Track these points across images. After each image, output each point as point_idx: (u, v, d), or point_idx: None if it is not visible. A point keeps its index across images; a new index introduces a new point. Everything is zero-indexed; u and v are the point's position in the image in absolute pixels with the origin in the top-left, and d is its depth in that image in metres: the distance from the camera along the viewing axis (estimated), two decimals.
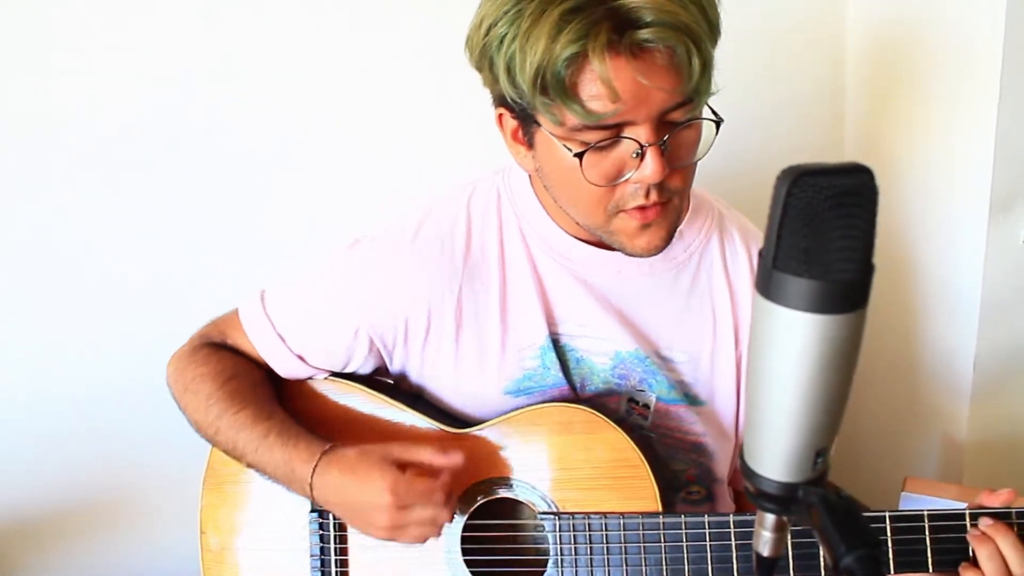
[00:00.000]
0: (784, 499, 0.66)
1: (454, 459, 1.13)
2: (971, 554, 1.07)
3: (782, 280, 0.59)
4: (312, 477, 1.13)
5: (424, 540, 1.13)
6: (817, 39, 1.76)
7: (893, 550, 1.07)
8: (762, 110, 1.75)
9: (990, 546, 1.04)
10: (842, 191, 0.58)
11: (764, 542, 0.70)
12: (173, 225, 1.60)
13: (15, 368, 1.59)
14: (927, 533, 1.08)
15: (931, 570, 1.08)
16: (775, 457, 0.65)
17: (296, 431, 1.18)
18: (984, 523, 1.06)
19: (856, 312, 0.60)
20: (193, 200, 1.59)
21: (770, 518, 0.69)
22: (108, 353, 1.62)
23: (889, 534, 1.08)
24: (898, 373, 1.76)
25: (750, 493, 0.68)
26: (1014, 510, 1.07)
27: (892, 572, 1.08)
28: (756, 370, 0.63)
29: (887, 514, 1.08)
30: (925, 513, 1.08)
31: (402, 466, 1.11)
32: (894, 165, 1.68)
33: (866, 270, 0.59)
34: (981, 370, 1.57)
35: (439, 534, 1.13)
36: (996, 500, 1.08)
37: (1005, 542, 1.04)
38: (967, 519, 1.07)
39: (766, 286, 0.60)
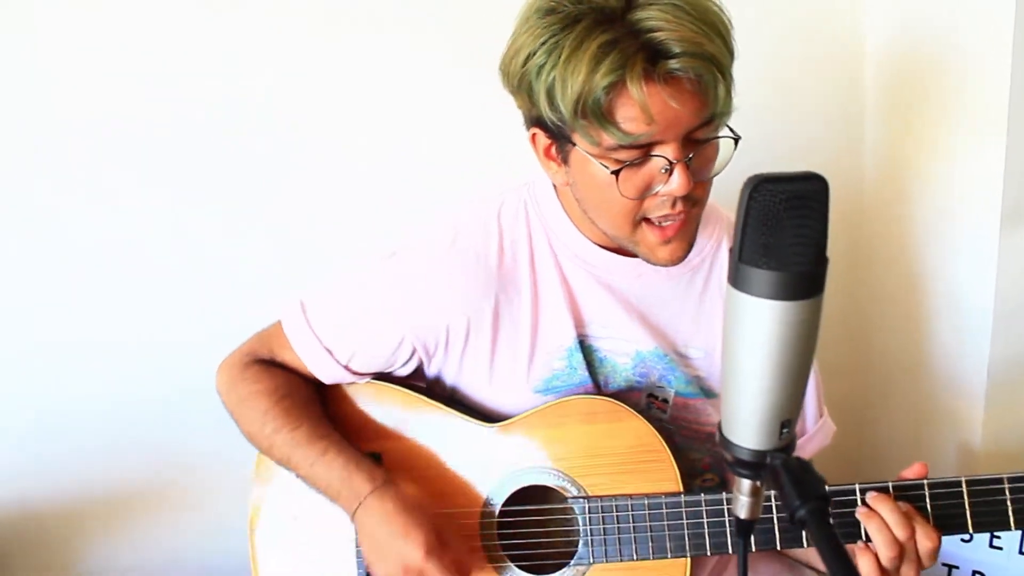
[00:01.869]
0: (756, 465, 0.77)
1: (479, 569, 1.27)
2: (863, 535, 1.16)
3: (747, 272, 0.70)
4: (366, 498, 1.24)
5: None
6: (836, 56, 1.85)
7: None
8: (782, 126, 1.85)
9: (876, 520, 1.13)
10: (795, 195, 0.68)
11: (741, 506, 0.81)
12: (225, 216, 1.73)
13: (89, 363, 1.72)
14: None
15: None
16: (747, 428, 0.76)
17: (353, 452, 1.28)
18: (869, 496, 1.16)
19: (812, 299, 0.70)
20: (223, 200, 1.72)
21: (746, 483, 0.80)
22: (169, 349, 1.74)
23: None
24: (913, 380, 1.83)
25: (728, 461, 0.79)
26: (891, 483, 1.18)
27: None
28: (729, 352, 0.74)
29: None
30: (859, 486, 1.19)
31: (442, 541, 1.22)
32: (911, 178, 1.76)
33: (819, 262, 0.70)
34: (995, 376, 1.64)
35: None
36: (910, 474, 1.18)
37: (885, 510, 1.14)
38: (857, 495, 1.18)
39: (734, 277, 0.71)
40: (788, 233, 0.68)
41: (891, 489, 1.17)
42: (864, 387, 2.01)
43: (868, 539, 1.15)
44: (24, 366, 1.71)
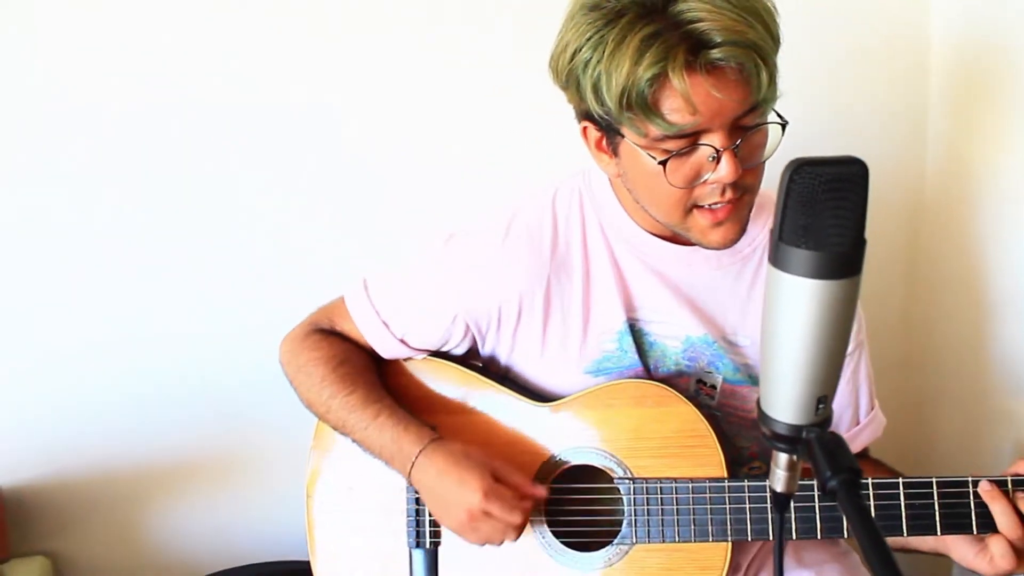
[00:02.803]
0: (792, 439, 0.79)
1: (540, 491, 1.29)
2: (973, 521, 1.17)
3: (787, 251, 0.72)
4: (417, 457, 1.29)
5: (483, 544, 1.28)
6: (901, 48, 1.85)
7: (906, 514, 1.20)
8: (844, 118, 1.85)
9: (1003, 502, 1.15)
10: (834, 178, 0.70)
11: (778, 479, 0.83)
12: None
13: (160, 340, 1.80)
14: (935, 499, 1.19)
15: (939, 533, 1.19)
16: (784, 403, 0.78)
17: (404, 415, 1.33)
18: (983, 488, 1.17)
19: (849, 279, 0.72)
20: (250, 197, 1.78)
21: (783, 457, 0.82)
22: (230, 332, 1.81)
23: (902, 499, 1.20)
24: (971, 377, 1.82)
25: (766, 436, 0.81)
26: (1009, 477, 1.17)
27: (905, 534, 1.20)
28: (768, 329, 0.77)
29: (900, 480, 1.21)
30: (934, 480, 1.19)
31: (497, 478, 1.26)
32: (974, 172, 1.75)
33: (856, 244, 0.72)
34: None
35: (500, 545, 1.28)
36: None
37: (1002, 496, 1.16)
38: (970, 486, 1.18)
39: (774, 256, 0.73)
40: (826, 215, 0.70)
41: (1010, 482, 1.18)
42: (921, 382, 2.00)
43: (979, 530, 1.17)
44: (103, 341, 1.78)
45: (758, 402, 0.81)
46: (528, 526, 1.32)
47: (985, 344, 1.78)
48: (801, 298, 0.73)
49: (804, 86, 1.74)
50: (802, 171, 0.70)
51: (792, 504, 1.22)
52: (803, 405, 0.77)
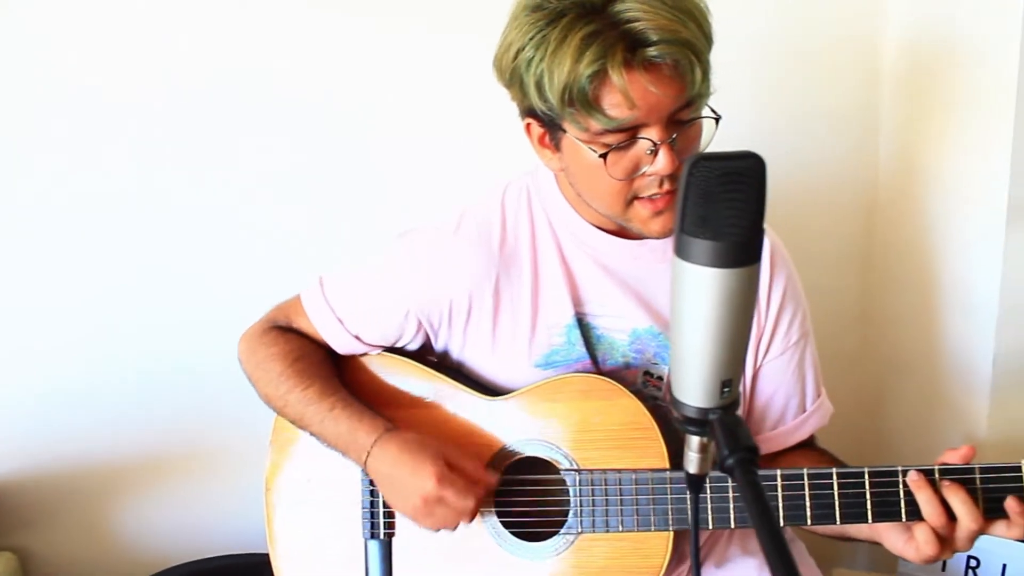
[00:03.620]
0: (700, 421, 0.82)
1: (492, 478, 1.32)
2: (902, 509, 1.20)
3: (687, 241, 0.75)
4: (372, 447, 1.32)
5: (439, 530, 1.31)
6: (853, 53, 1.89)
7: (839, 503, 1.23)
8: (798, 122, 1.89)
9: (927, 491, 1.18)
10: (729, 171, 0.73)
11: (690, 461, 0.87)
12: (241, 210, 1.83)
13: (120, 336, 1.83)
14: (867, 488, 1.22)
15: (870, 521, 1.22)
16: (692, 387, 0.81)
17: (359, 407, 1.37)
18: (911, 478, 1.19)
19: (747, 267, 0.76)
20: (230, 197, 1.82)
21: (694, 440, 0.85)
22: (192, 326, 1.85)
23: (836, 488, 1.23)
24: (921, 372, 1.86)
25: (677, 420, 0.84)
26: (937, 467, 1.20)
27: (838, 523, 1.23)
28: (675, 316, 0.80)
29: (834, 471, 1.23)
30: (866, 470, 1.22)
31: (450, 465, 1.30)
32: (923, 175, 1.79)
33: (753, 234, 0.75)
34: (1000, 369, 1.67)
35: (454, 530, 1.31)
36: (955, 456, 1.21)
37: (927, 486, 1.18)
38: (900, 475, 1.21)
39: (677, 246, 0.77)
40: (722, 206, 0.74)
41: (937, 472, 1.20)
42: (874, 378, 2.04)
43: (908, 518, 1.20)
44: (67, 336, 1.82)
45: (669, 387, 0.84)
46: (479, 516, 1.35)
47: (937, 339, 1.81)
48: (703, 286, 0.76)
49: (759, 87, 1.78)
50: (699, 166, 0.73)
51: (708, 488, 1.26)
52: (709, 389, 0.80)
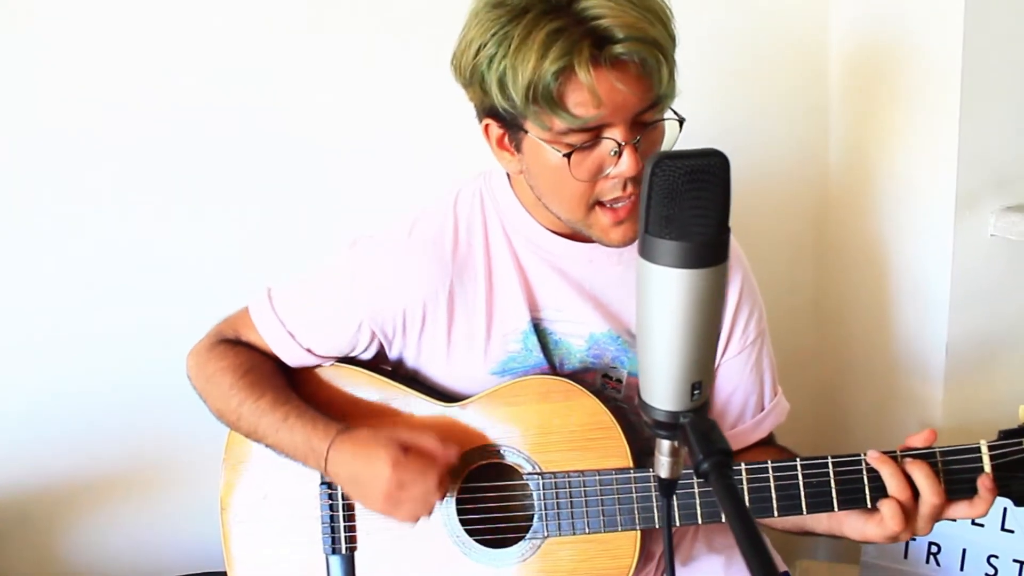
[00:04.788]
0: (671, 425, 0.81)
1: (451, 451, 1.29)
2: (867, 496, 1.21)
3: (652, 243, 0.74)
4: (328, 452, 1.29)
5: (416, 519, 1.28)
6: (801, 49, 1.90)
7: (804, 492, 1.23)
8: (748, 119, 1.89)
9: (890, 465, 1.19)
10: (693, 169, 0.72)
11: (662, 466, 0.85)
12: (211, 221, 1.79)
13: (70, 353, 1.79)
14: (831, 476, 1.23)
15: (836, 509, 1.23)
16: (661, 391, 0.80)
17: (312, 414, 1.34)
18: (871, 456, 1.21)
19: (715, 267, 0.74)
20: (211, 202, 1.78)
21: (665, 444, 0.84)
22: (139, 344, 1.80)
23: (800, 478, 1.23)
24: (878, 363, 1.87)
25: (647, 424, 0.83)
26: (899, 451, 1.22)
27: (805, 512, 1.23)
28: (642, 319, 0.78)
29: (798, 461, 1.24)
30: (829, 458, 1.23)
31: (406, 448, 1.27)
32: (873, 169, 1.81)
33: (719, 232, 0.74)
34: (953, 357, 1.69)
35: (430, 514, 1.29)
36: (918, 439, 1.22)
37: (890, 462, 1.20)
38: (863, 463, 1.22)
39: (642, 248, 0.75)
40: (687, 205, 0.72)
41: (899, 454, 1.21)
42: (832, 371, 2.05)
43: (872, 504, 1.21)
44: (7, 357, 1.76)
45: (639, 392, 0.83)
46: (443, 526, 1.33)
47: (891, 330, 1.83)
48: (670, 288, 0.74)
49: (709, 87, 1.78)
50: (663, 164, 0.72)
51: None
52: (679, 392, 0.79)
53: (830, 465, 1.23)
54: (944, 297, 1.67)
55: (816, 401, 2.06)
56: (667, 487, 0.87)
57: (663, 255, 0.74)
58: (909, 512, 1.18)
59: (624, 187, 1.17)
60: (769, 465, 1.24)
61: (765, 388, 1.44)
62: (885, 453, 1.21)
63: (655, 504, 1.27)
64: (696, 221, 0.73)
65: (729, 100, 1.86)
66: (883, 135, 1.78)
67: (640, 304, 0.78)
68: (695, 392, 0.79)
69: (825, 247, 2.00)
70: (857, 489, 1.21)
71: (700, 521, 1.26)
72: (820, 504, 1.23)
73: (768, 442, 1.46)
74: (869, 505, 1.21)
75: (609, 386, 1.37)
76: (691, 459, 0.77)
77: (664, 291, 0.75)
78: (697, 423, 0.78)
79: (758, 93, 1.90)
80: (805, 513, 1.23)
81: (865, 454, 1.22)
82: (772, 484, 1.24)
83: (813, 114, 1.93)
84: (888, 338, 1.83)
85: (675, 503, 1.26)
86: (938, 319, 1.69)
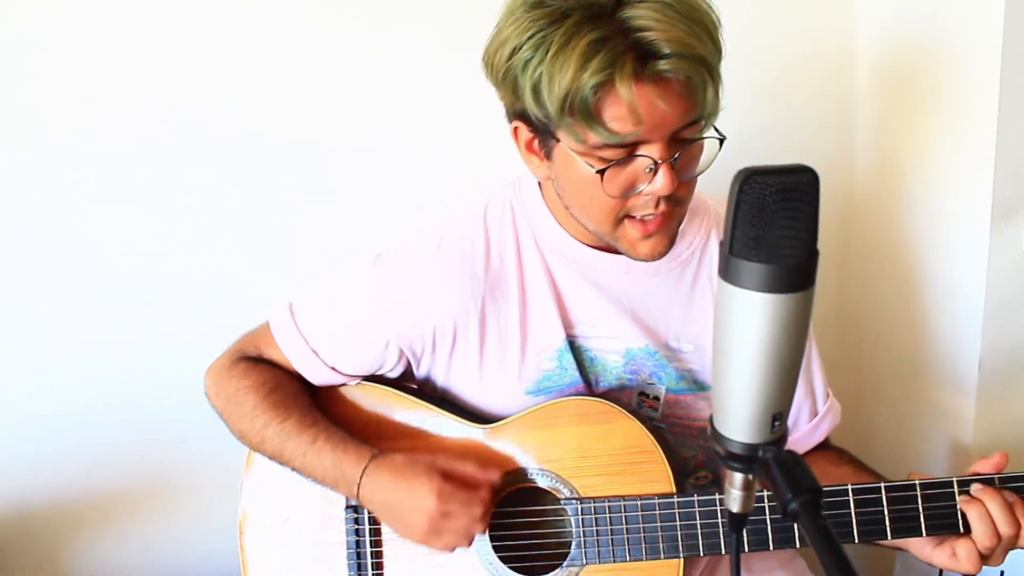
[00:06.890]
0: (748, 458, 0.76)
1: (493, 476, 1.24)
2: (959, 520, 1.17)
3: (738, 265, 0.69)
4: (361, 477, 1.24)
5: (453, 548, 1.24)
6: (828, 56, 1.85)
7: (889, 517, 1.18)
8: (774, 125, 1.85)
9: (979, 508, 1.14)
10: (784, 187, 0.67)
11: (734, 499, 0.80)
12: (216, 229, 1.74)
13: (83, 365, 1.73)
14: (919, 501, 1.18)
15: (924, 535, 1.18)
16: (738, 421, 0.75)
17: (342, 436, 1.28)
18: (975, 488, 1.16)
19: (803, 292, 0.70)
20: (223, 208, 1.73)
21: (738, 477, 0.79)
22: (160, 351, 1.75)
23: (885, 504, 1.18)
24: (905, 376, 1.83)
25: (719, 455, 0.78)
26: (997, 476, 1.17)
27: (889, 538, 1.19)
28: (720, 345, 0.74)
29: (882, 485, 1.19)
30: (917, 482, 1.18)
31: (446, 476, 1.22)
32: (903, 176, 1.76)
33: (810, 255, 0.69)
34: (986, 371, 1.64)
35: (469, 544, 1.24)
36: (988, 464, 1.17)
37: (993, 503, 1.14)
38: (955, 487, 1.17)
39: (725, 270, 0.70)
40: (778, 226, 0.68)
41: (997, 482, 1.17)
42: (856, 383, 2.01)
43: (967, 531, 1.16)
44: (17, 368, 1.72)
45: (711, 420, 0.78)
46: (474, 551, 1.28)
47: (918, 340, 1.78)
48: (754, 313, 0.70)
49: (732, 94, 1.73)
50: (751, 181, 0.68)
51: (698, 514, 1.23)
52: (758, 423, 0.74)
53: (918, 490, 1.18)
54: (978, 311, 1.62)
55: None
56: (738, 522, 0.82)
57: (749, 278, 0.69)
58: (985, 555, 1.15)
59: (656, 204, 1.12)
60: (848, 487, 1.20)
61: (817, 391, 1.39)
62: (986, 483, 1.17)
63: (699, 531, 1.22)
64: (786, 243, 0.68)
65: (754, 107, 1.81)
66: (911, 137, 1.74)
67: (720, 329, 0.73)
68: (775, 424, 0.75)
69: (850, 253, 1.96)
70: (949, 515, 1.18)
71: (747, 550, 1.21)
72: (904, 530, 1.19)
73: (826, 445, 1.42)
74: (960, 531, 1.18)
75: (646, 404, 1.32)
76: (776, 497, 0.72)
77: (748, 316, 0.70)
78: (781, 457, 0.74)
79: (783, 99, 1.86)
80: (890, 539, 1.20)
81: (958, 481, 1.18)
82: (852, 511, 1.20)
83: (839, 120, 1.89)
84: (917, 351, 1.79)
85: (699, 532, 1.23)
86: (972, 333, 1.64)
